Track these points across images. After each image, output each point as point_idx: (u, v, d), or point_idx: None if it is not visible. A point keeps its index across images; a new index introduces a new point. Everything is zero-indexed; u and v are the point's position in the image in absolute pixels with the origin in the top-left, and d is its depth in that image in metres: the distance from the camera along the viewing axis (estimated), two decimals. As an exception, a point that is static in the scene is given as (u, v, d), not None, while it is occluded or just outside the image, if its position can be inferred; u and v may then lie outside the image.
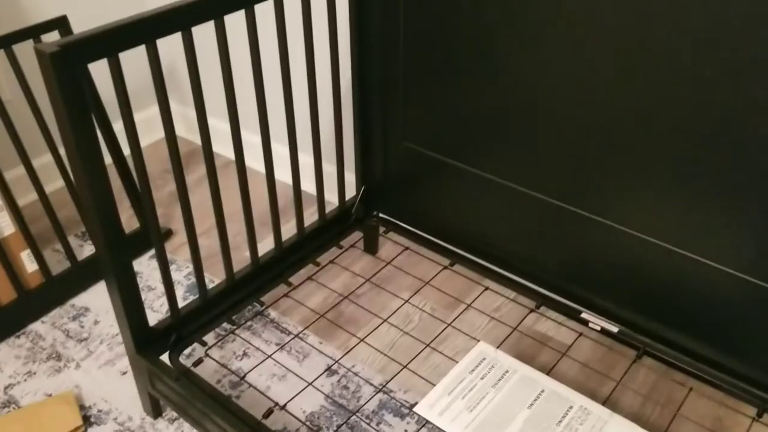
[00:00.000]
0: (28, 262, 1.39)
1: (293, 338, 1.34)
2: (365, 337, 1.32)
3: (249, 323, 1.38)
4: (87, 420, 1.21)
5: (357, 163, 1.42)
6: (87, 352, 1.34)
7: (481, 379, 1.07)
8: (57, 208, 1.65)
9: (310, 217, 1.66)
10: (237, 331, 1.36)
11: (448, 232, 1.37)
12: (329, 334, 1.36)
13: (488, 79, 1.14)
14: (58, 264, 1.54)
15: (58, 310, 1.44)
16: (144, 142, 1.96)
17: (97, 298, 1.47)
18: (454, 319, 1.38)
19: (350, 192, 1.48)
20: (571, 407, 1.03)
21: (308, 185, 1.75)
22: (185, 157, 1.92)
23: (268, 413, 1.05)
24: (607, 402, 1.18)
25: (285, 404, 1.08)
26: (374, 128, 1.37)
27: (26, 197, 1.71)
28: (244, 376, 1.22)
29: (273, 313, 1.40)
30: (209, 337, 1.35)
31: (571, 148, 1.10)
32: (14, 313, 1.38)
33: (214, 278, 1.50)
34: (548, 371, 1.22)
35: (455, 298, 1.42)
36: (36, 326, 1.40)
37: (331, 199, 1.69)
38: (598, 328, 1.18)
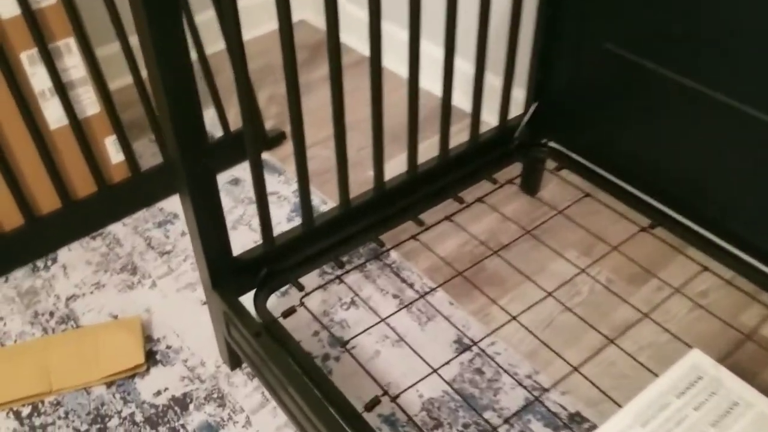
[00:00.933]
0: (113, 151, 1.15)
1: (419, 298, 1.02)
2: (518, 315, 0.98)
3: (362, 265, 1.07)
4: (151, 356, 0.97)
5: (531, 70, 1.04)
6: (167, 269, 1.10)
7: (695, 409, 0.70)
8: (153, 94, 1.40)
9: (456, 136, 1.30)
10: (344, 275, 1.06)
11: (648, 178, 0.97)
12: (463, 294, 1.03)
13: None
14: (152, 157, 1.30)
15: (143, 212, 1.20)
16: (269, 26, 1.67)
17: (190, 205, 1.21)
18: (654, 307, 0.99)
19: (514, 111, 1.11)
20: None
21: (458, 98, 1.38)
22: (314, 48, 1.60)
23: (374, 403, 0.75)
24: None
25: (398, 395, 0.77)
26: (565, 20, 0.97)
27: (120, 79, 1.47)
28: (347, 342, 0.92)
29: (393, 255, 1.09)
30: (309, 279, 1.05)
31: None
32: (92, 208, 1.15)
33: (327, 199, 1.20)
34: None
35: (644, 269, 1.04)
36: (115, 228, 1.17)
37: (488, 119, 1.32)
38: None
